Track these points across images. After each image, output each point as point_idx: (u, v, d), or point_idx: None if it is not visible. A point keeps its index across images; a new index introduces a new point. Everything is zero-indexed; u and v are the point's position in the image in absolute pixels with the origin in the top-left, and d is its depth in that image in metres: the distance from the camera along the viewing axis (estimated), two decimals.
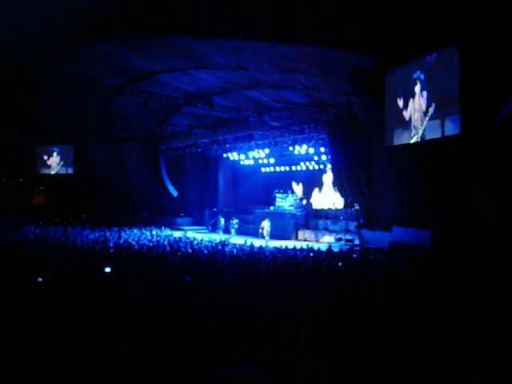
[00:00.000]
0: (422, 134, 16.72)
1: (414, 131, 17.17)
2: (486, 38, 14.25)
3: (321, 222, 29.09)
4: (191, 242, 20.28)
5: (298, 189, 34.05)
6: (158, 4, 17.68)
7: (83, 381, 4.33)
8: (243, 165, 36.93)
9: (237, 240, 23.16)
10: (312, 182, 33.62)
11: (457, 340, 5.29)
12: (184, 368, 4.46)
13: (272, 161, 34.10)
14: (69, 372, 4.38)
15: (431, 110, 16.27)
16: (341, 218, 28.18)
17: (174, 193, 36.38)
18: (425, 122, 16.58)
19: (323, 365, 4.46)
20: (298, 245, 19.61)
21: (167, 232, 28.40)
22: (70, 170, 37.90)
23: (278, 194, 32.08)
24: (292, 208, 30.48)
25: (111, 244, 18.50)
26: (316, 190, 32.95)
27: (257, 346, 4.82)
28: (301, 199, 31.88)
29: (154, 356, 4.67)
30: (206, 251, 16.47)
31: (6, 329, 5.39)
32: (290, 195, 31.54)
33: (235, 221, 30.83)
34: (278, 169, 35.95)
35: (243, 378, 2.74)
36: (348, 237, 25.62)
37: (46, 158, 38.92)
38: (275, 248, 18.62)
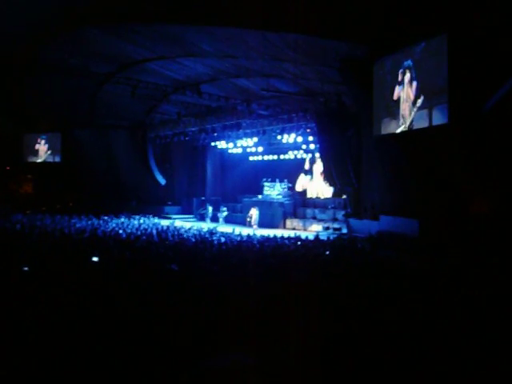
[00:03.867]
0: (410, 123, 16.72)
1: (401, 120, 17.18)
2: (475, 28, 14.26)
3: (309, 211, 29.17)
4: (179, 231, 20.26)
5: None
6: None
7: (71, 372, 4.31)
8: (231, 153, 36.87)
9: (225, 229, 23.16)
10: (300, 170, 33.65)
11: (446, 330, 5.32)
12: (172, 358, 4.45)
13: (260, 149, 34.04)
14: (54, 363, 4.36)
15: (420, 100, 16.26)
16: (329, 206, 28.27)
17: (162, 181, 36.26)
18: (413, 112, 16.58)
19: (313, 354, 4.47)
20: (286, 233, 19.66)
21: (155, 221, 28.35)
22: (58, 158, 37.51)
23: (265, 183, 32.06)
24: (280, 197, 30.49)
25: (99, 232, 18.44)
26: (302, 175, 32.97)
27: (245, 336, 4.82)
28: (289, 188, 31.78)
29: (142, 347, 4.65)
30: (193, 240, 16.47)
31: None
32: (278, 184, 31.53)
33: (224, 209, 30.83)
34: (266, 157, 35.93)
35: (234, 366, 2.73)
36: (336, 225, 25.71)
37: (33, 145, 38.59)
38: (263, 237, 18.64)
